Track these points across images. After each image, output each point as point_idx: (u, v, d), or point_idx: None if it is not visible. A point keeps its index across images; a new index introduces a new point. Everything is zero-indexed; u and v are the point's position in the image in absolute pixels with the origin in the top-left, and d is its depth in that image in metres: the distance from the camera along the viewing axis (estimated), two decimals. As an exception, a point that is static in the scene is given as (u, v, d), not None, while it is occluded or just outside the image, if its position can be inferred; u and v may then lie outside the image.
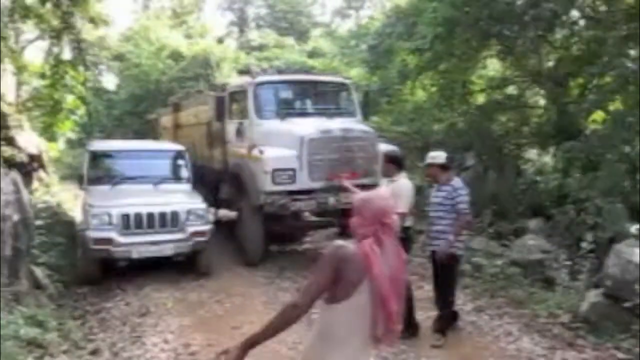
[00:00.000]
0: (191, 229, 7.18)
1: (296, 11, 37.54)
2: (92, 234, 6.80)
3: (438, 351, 4.93)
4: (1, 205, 5.01)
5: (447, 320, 5.27)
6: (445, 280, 5.23)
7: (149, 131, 17.89)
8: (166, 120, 12.69)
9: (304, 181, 7.43)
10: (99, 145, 9.06)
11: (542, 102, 12.20)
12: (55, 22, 9.66)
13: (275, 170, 7.35)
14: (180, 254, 7.26)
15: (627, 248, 5.23)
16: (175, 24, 27.75)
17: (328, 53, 26.05)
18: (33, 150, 10.12)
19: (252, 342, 2.23)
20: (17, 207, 5.42)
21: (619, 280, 4.97)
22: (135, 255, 6.95)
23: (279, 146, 7.63)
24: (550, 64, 11.03)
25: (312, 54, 27.25)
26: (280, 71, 9.68)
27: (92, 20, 9.90)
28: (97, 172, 8.14)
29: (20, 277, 5.42)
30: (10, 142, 9.30)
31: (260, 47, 29.53)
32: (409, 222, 5.17)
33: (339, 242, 2.29)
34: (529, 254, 7.32)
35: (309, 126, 7.64)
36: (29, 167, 9.64)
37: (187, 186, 8.28)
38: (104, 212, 6.93)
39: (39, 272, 6.15)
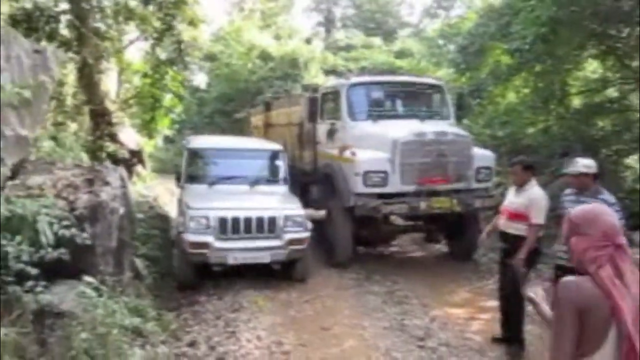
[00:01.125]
0: (288, 236, 6.91)
1: (384, 11, 37.30)
2: (189, 237, 6.63)
3: None
4: (109, 198, 5.25)
5: None
6: None
7: (237, 129, 18.37)
8: (257, 119, 12.94)
9: (395, 184, 7.32)
10: (198, 142, 8.89)
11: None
12: (157, 24, 10.08)
13: (366, 172, 7.28)
14: (277, 261, 7.03)
15: None
16: (265, 26, 28.28)
17: (416, 53, 25.70)
18: (133, 147, 10.65)
19: None
20: (123, 201, 5.67)
21: None
22: (230, 261, 6.74)
23: (371, 148, 7.56)
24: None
25: (400, 55, 26.94)
26: (370, 73, 9.61)
27: (191, 22, 10.28)
28: (195, 170, 8.04)
29: (124, 267, 5.67)
30: (113, 138, 9.81)
31: (347, 48, 29.53)
32: (540, 233, 4.94)
33: (571, 279, 1.92)
34: None
35: (402, 129, 7.52)
36: (129, 163, 10.12)
37: (284, 188, 8.05)
38: (201, 215, 6.74)
39: (139, 263, 6.43)
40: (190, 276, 6.88)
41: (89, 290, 4.59)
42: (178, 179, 8.09)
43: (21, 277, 3.99)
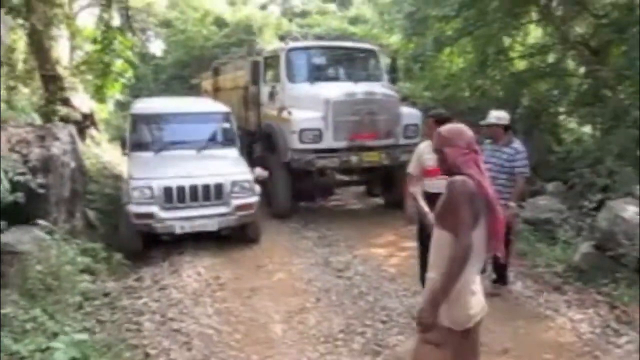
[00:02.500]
0: (236, 202, 6.84)
1: (339, -24, 37.37)
2: (134, 208, 6.55)
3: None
4: (60, 153, 5.80)
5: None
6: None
7: (193, 95, 18.76)
8: (207, 83, 13.45)
9: (329, 141, 8.01)
10: (142, 107, 8.61)
11: (582, 70, 12.23)
12: (107, -9, 10.40)
13: (302, 130, 7.95)
14: (226, 228, 6.97)
15: (619, 204, 5.65)
16: (220, -9, 28.28)
17: (370, 20, 26.18)
18: (85, 110, 11.05)
19: (439, 299, 2.47)
20: (73, 155, 6.24)
21: (607, 232, 5.41)
22: (178, 230, 6.65)
23: (308, 108, 8.20)
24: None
25: (354, 21, 27.36)
26: (319, 38, 10.20)
27: (139, -11, 10.64)
28: (140, 137, 7.80)
29: (75, 216, 6.27)
30: (66, 102, 10.20)
31: (303, 14, 29.83)
32: None
33: (459, 178, 2.52)
34: (539, 213, 7.74)
35: (335, 90, 8.19)
36: (82, 125, 10.53)
37: (234, 151, 7.94)
38: (145, 185, 6.63)
39: (91, 214, 7.02)
40: (138, 246, 6.79)
41: (43, 234, 5.20)
42: (123, 146, 7.87)
43: (-20, 219, 4.56)
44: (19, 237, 5.00)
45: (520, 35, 13.09)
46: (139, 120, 7.89)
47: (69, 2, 12.50)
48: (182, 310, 4.84)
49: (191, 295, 5.20)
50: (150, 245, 6.93)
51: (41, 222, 5.19)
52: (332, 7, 29.72)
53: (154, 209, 6.58)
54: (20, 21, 9.17)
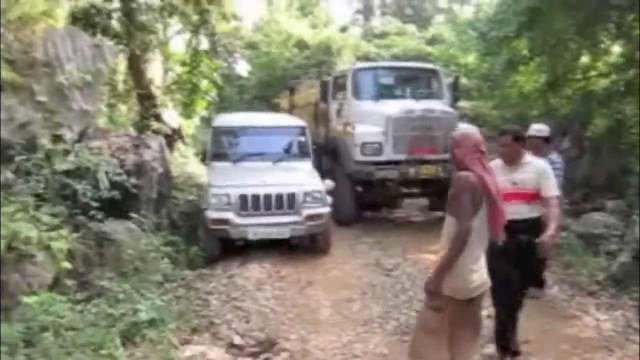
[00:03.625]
0: (307, 212, 7.16)
1: (420, -2, 37.99)
2: (211, 214, 7.01)
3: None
4: (151, 159, 6.81)
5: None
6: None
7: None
8: (284, 102, 14.46)
9: (388, 153, 8.63)
10: (222, 120, 9.19)
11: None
12: (195, 18, 11.63)
13: (364, 143, 8.63)
14: (296, 236, 7.33)
15: (657, 215, 5.89)
16: (302, 15, 29.60)
17: (447, 40, 26.51)
18: (174, 125, 12.27)
19: (443, 272, 3.04)
20: (162, 162, 7.23)
21: (642, 241, 5.68)
22: (251, 236, 7.03)
23: (370, 124, 8.88)
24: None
25: (432, 41, 27.77)
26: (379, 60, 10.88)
27: (224, 17, 11.79)
28: (220, 148, 8.28)
29: (161, 214, 7.24)
30: (157, 118, 11.42)
31: (383, 35, 30.57)
32: None
33: (464, 173, 3.06)
34: (592, 228, 7.92)
35: (396, 107, 8.81)
36: (170, 139, 11.72)
37: (307, 164, 8.24)
38: (222, 192, 7.07)
39: (176, 215, 7.98)
40: (215, 250, 7.18)
41: (134, 226, 6.17)
42: (203, 157, 8.50)
43: (85, 211, 5.56)
44: (115, 227, 5.96)
45: (598, 54, 13.09)
46: (219, 132, 8.41)
47: (164, 28, 13.92)
48: (244, 293, 5.62)
49: (254, 283, 5.97)
50: (227, 252, 7.32)
51: (133, 216, 6.17)
52: (410, 27, 30.29)
53: (230, 215, 6.99)
54: (121, 47, 10.51)
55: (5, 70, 5.53)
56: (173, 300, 5.18)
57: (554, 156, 5.60)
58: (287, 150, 8.50)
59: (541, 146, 5.60)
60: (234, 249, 7.35)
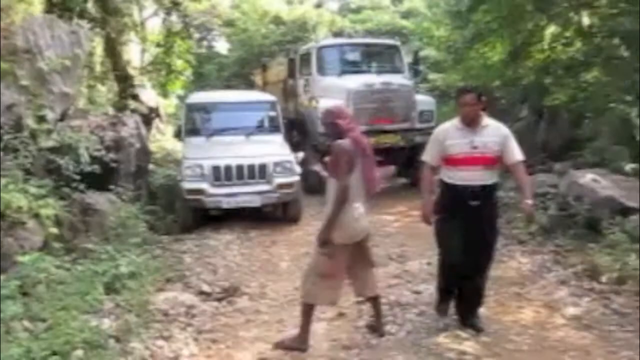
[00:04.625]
0: (278, 181, 7.55)
1: (397, -29, 38.11)
2: (186, 185, 7.42)
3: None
4: (128, 135, 7.43)
5: None
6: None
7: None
8: (258, 78, 15.07)
9: (351, 125, 9.29)
10: (195, 97, 9.60)
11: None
12: (167, 1, 12.14)
13: (327, 116, 9.27)
14: (268, 204, 7.78)
15: (580, 173, 6.67)
16: (278, -9, 29.82)
17: (421, 13, 26.98)
18: (152, 105, 12.85)
19: (329, 223, 3.64)
20: (138, 138, 7.85)
21: (564, 195, 6.46)
22: (225, 205, 7.43)
23: (333, 97, 9.51)
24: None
25: (407, 14, 28.20)
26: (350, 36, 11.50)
27: (195, -1, 12.34)
28: (193, 124, 8.67)
29: (141, 187, 7.89)
30: (135, 97, 12.00)
31: (358, 9, 30.96)
32: None
33: (340, 141, 3.65)
34: (537, 188, 8.65)
35: (356, 81, 9.47)
36: (148, 117, 12.31)
37: (278, 137, 8.59)
38: (196, 164, 7.46)
39: (153, 186, 8.63)
40: (190, 220, 7.59)
41: (115, 197, 6.82)
42: (178, 133, 8.87)
43: (69, 184, 6.19)
44: (97, 199, 6.60)
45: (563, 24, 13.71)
46: (192, 109, 8.86)
47: (140, 10, 14.37)
48: (215, 252, 6.34)
49: (224, 243, 6.70)
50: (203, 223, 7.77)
51: (113, 187, 6.82)
52: (385, 1, 30.69)
53: (204, 186, 7.38)
54: (97, 30, 11.01)
55: (-10, 58, 6.11)
56: (150, 258, 5.85)
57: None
58: (259, 125, 8.87)
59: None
60: (209, 218, 7.94)
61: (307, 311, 3.87)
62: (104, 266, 5.22)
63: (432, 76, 19.91)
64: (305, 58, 10.73)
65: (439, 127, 4.21)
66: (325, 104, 9.32)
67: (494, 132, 3.95)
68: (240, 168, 7.52)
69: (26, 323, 4.02)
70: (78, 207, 6.24)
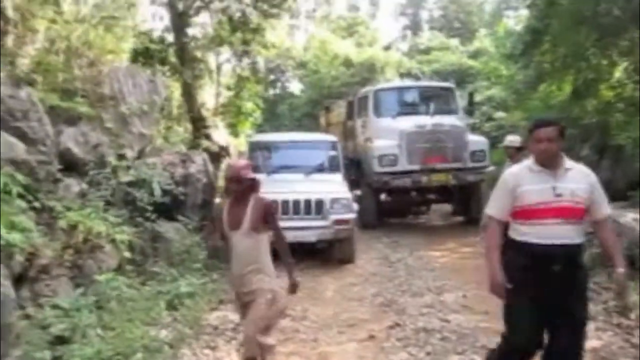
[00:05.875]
0: (334, 217, 7.56)
1: (466, 11, 38.58)
2: None
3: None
4: (195, 171, 8.26)
5: None
6: None
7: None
8: (322, 120, 15.84)
9: (403, 164, 9.77)
10: (258, 137, 10.29)
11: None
12: (239, 48, 13.20)
13: (381, 155, 9.80)
14: (323, 240, 7.75)
15: (621, 212, 6.81)
16: (348, 34, 31.01)
17: (489, 53, 27.17)
18: (223, 143, 13.83)
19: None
20: (205, 174, 8.66)
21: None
22: None
23: (388, 138, 10.05)
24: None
25: (476, 54, 28.44)
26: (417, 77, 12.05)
27: (265, 46, 13.30)
28: (255, 161, 8.58)
29: (205, 218, 8.66)
30: (208, 137, 13.00)
31: (427, 50, 31.52)
32: None
33: (266, 197, 3.75)
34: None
35: (409, 122, 9.96)
36: (219, 155, 13.28)
37: (337, 176, 8.66)
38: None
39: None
40: None
41: (182, 226, 7.60)
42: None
43: (142, 214, 7.01)
44: (165, 227, 7.41)
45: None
46: (255, 147, 9.25)
47: (217, 56, 15.62)
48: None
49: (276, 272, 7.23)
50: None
51: (180, 218, 7.61)
52: (453, 41, 31.09)
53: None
54: (176, 76, 12.17)
55: (82, 104, 7.12)
56: (209, 282, 6.51)
57: (525, 162, 6.57)
58: (319, 164, 8.98)
59: (514, 155, 6.68)
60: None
61: None
62: (167, 287, 5.93)
63: (497, 115, 19.99)
64: (363, 101, 11.36)
65: (505, 172, 3.46)
66: (379, 143, 9.91)
67: (581, 178, 3.13)
68: (297, 203, 7.62)
69: (99, 331, 4.72)
70: (149, 235, 7.03)
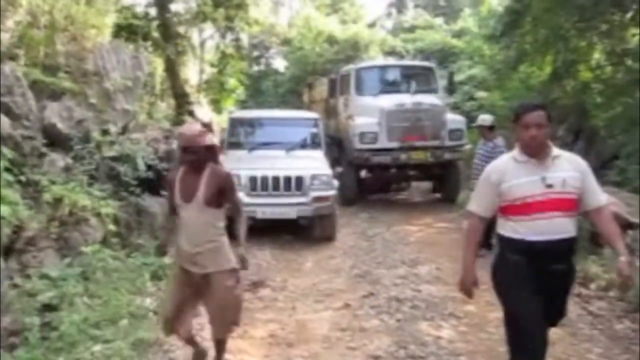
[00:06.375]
0: (314, 194, 7.51)
1: (452, -10, 38.49)
2: None
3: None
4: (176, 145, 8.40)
5: None
6: None
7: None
8: (305, 97, 16.00)
9: (383, 142, 9.98)
10: (239, 113, 10.31)
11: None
12: (222, 24, 13.25)
13: (362, 132, 10.00)
14: (303, 217, 7.74)
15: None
16: (333, 11, 30.92)
17: (473, 32, 27.29)
18: (206, 120, 13.95)
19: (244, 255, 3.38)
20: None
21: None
22: (259, 215, 7.38)
23: (369, 116, 10.24)
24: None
25: (460, 33, 28.53)
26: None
27: (248, 22, 13.37)
28: (236, 138, 8.86)
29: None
30: (191, 113, 13.11)
31: (411, 29, 31.56)
32: None
33: (226, 169, 3.45)
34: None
35: (390, 100, 10.15)
36: (202, 131, 13.43)
37: (318, 153, 8.62)
38: (233, 174, 8.35)
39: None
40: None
41: (166, 201, 7.76)
42: (221, 146, 9.62)
43: (127, 188, 7.16)
44: (149, 202, 7.56)
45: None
46: (236, 123, 9.18)
47: (200, 33, 15.62)
48: (248, 250, 7.10)
49: (257, 244, 7.44)
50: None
51: (164, 192, 7.77)
52: (438, 21, 31.17)
53: (240, 195, 8.04)
54: (159, 52, 12.21)
55: (65, 80, 7.20)
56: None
57: (498, 140, 6.84)
58: (300, 141, 8.90)
59: (486, 133, 6.94)
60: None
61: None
62: (151, 259, 6.13)
63: (478, 94, 20.23)
64: (345, 78, 11.51)
65: (488, 166, 3.13)
66: (360, 121, 10.11)
67: (571, 165, 2.91)
68: (276, 179, 7.58)
69: (85, 299, 4.92)
70: (133, 209, 7.20)
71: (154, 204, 7.58)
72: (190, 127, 3.52)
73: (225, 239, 3.45)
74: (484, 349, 4.09)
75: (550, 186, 2.83)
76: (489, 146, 6.80)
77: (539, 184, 2.84)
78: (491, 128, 6.95)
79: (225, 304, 3.41)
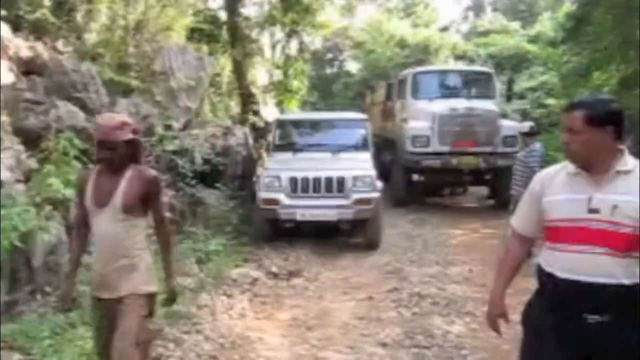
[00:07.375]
0: (356, 196, 7.30)
1: (531, -6, 37.47)
2: (262, 195, 7.44)
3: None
4: (235, 144, 8.96)
5: None
6: None
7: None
8: (367, 100, 16.34)
9: (435, 146, 10.12)
10: (286, 115, 10.71)
11: None
12: (287, 28, 13.82)
13: (414, 136, 10.20)
14: (344, 220, 7.54)
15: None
16: (405, 15, 30.98)
17: (549, 37, 26.54)
18: (270, 119, 14.58)
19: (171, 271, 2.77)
20: (245, 147, 9.37)
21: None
22: (299, 217, 7.32)
23: (422, 120, 10.42)
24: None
25: (536, 38, 27.81)
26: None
27: (314, 26, 13.87)
28: (282, 140, 8.80)
29: (243, 188, 9.38)
30: (256, 113, 13.74)
31: (486, 33, 31.03)
32: None
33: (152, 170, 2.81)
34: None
35: (443, 105, 10.29)
36: (265, 130, 14.02)
37: (366, 155, 8.29)
38: (274, 175, 7.51)
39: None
40: (265, 231, 7.63)
41: (220, 193, 8.34)
42: (267, 148, 8.99)
43: (184, 180, 7.77)
44: (205, 194, 8.16)
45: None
46: (282, 125, 9.20)
47: (271, 36, 16.28)
48: (291, 244, 7.54)
49: (301, 240, 7.85)
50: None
51: (218, 186, 8.35)
52: (514, 25, 30.47)
53: (280, 196, 7.35)
54: (227, 54, 12.91)
55: (134, 79, 7.93)
56: (237, 244, 7.24)
57: (535, 145, 6.87)
58: (347, 143, 8.59)
59: (526, 139, 7.09)
60: (283, 234, 7.90)
61: None
62: (199, 245, 6.68)
63: (548, 101, 19.76)
64: (403, 82, 11.73)
65: (539, 172, 2.44)
66: (413, 124, 10.31)
67: (635, 185, 2.06)
68: (317, 180, 7.42)
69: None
70: (189, 199, 7.81)
71: (209, 196, 8.17)
72: (108, 117, 2.89)
73: (147, 256, 2.78)
74: (489, 346, 4.26)
75: (594, 211, 2.07)
76: (526, 151, 6.90)
77: (583, 205, 2.10)
78: (530, 134, 7.05)
79: (128, 339, 2.58)
